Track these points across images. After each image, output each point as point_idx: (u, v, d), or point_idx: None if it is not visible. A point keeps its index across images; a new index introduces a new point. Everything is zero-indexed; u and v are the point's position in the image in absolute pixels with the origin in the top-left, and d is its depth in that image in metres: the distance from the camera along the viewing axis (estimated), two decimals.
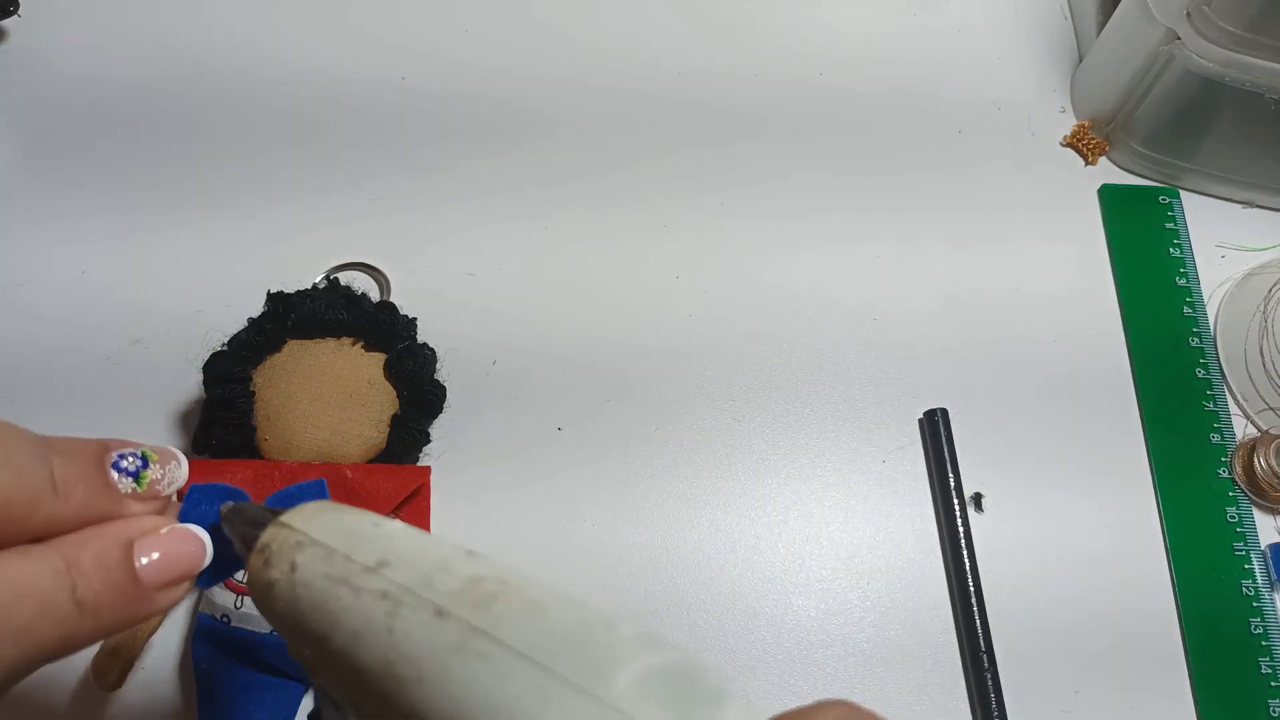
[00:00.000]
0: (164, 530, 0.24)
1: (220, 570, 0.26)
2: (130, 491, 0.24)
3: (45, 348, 0.45)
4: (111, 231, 0.47)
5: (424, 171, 0.49)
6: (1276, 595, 0.43)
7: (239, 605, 0.37)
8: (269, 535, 0.23)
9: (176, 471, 0.25)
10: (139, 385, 0.44)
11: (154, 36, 0.52)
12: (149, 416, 0.43)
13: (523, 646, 0.19)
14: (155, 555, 0.24)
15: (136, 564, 0.23)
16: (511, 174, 0.50)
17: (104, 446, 0.24)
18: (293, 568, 0.22)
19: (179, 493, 0.26)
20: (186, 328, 0.45)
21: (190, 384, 0.42)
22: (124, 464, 0.24)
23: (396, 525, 0.23)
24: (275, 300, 0.41)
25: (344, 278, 0.44)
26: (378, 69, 0.52)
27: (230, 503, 0.25)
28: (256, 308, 0.41)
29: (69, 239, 0.47)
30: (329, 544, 0.22)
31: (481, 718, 0.19)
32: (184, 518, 0.25)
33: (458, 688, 0.19)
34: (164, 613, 0.25)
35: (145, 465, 0.24)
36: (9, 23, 0.51)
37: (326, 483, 0.28)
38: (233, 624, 0.37)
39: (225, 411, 0.39)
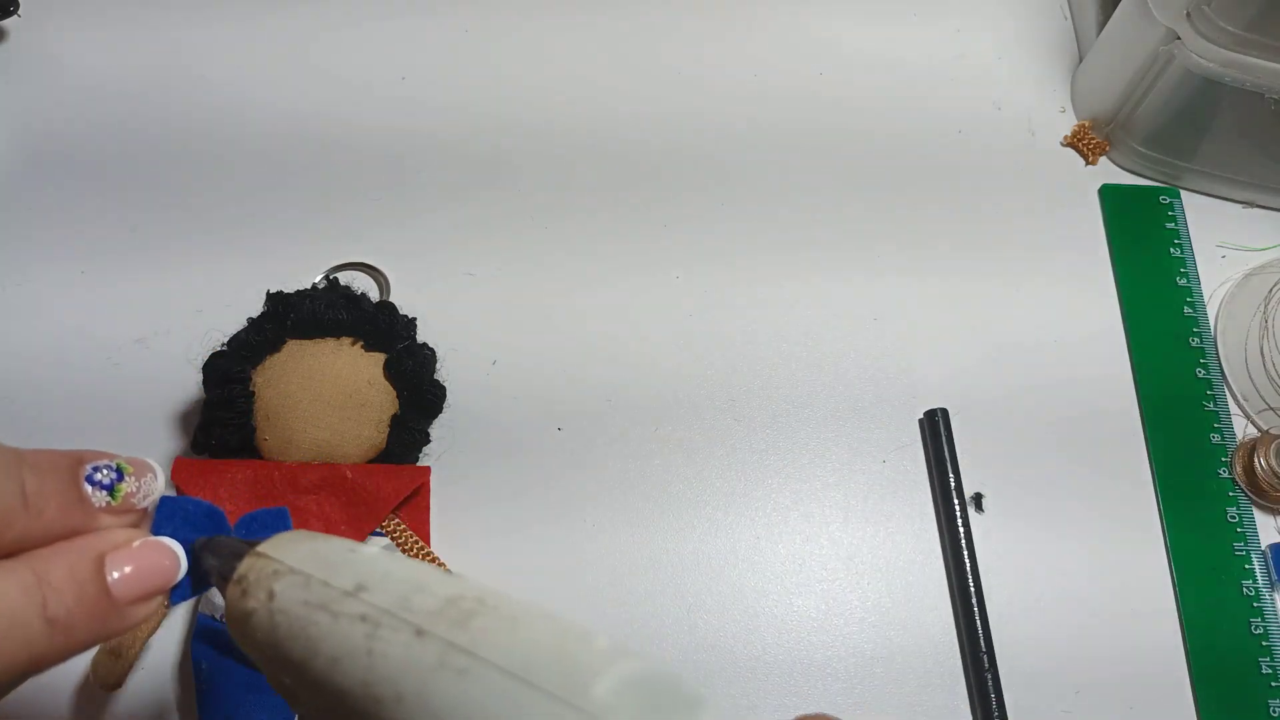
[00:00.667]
0: (136, 544, 0.24)
1: (196, 584, 0.25)
2: (104, 505, 0.24)
3: (45, 347, 0.45)
4: (111, 231, 0.47)
5: (424, 171, 0.49)
6: (1276, 595, 0.43)
7: None
8: (246, 565, 0.23)
9: (152, 484, 0.25)
10: (139, 385, 0.44)
11: (155, 36, 0.52)
12: (149, 416, 0.43)
13: (501, 661, 0.19)
14: (128, 569, 0.23)
15: (108, 578, 0.23)
16: (511, 174, 0.50)
17: (78, 459, 0.24)
18: (270, 596, 0.22)
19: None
20: (186, 328, 0.45)
21: (190, 384, 0.42)
22: (98, 477, 0.24)
23: (373, 550, 0.23)
24: (275, 300, 0.41)
25: (344, 278, 0.44)
26: (377, 72, 0.52)
27: (204, 537, 0.25)
28: (256, 308, 0.41)
29: (69, 238, 0.47)
30: (306, 571, 0.22)
31: None
32: (156, 531, 0.25)
33: (438, 704, 0.19)
34: (137, 626, 0.24)
35: (120, 478, 0.24)
36: (9, 23, 0.51)
37: (289, 510, 0.28)
38: None
39: (225, 411, 0.39)
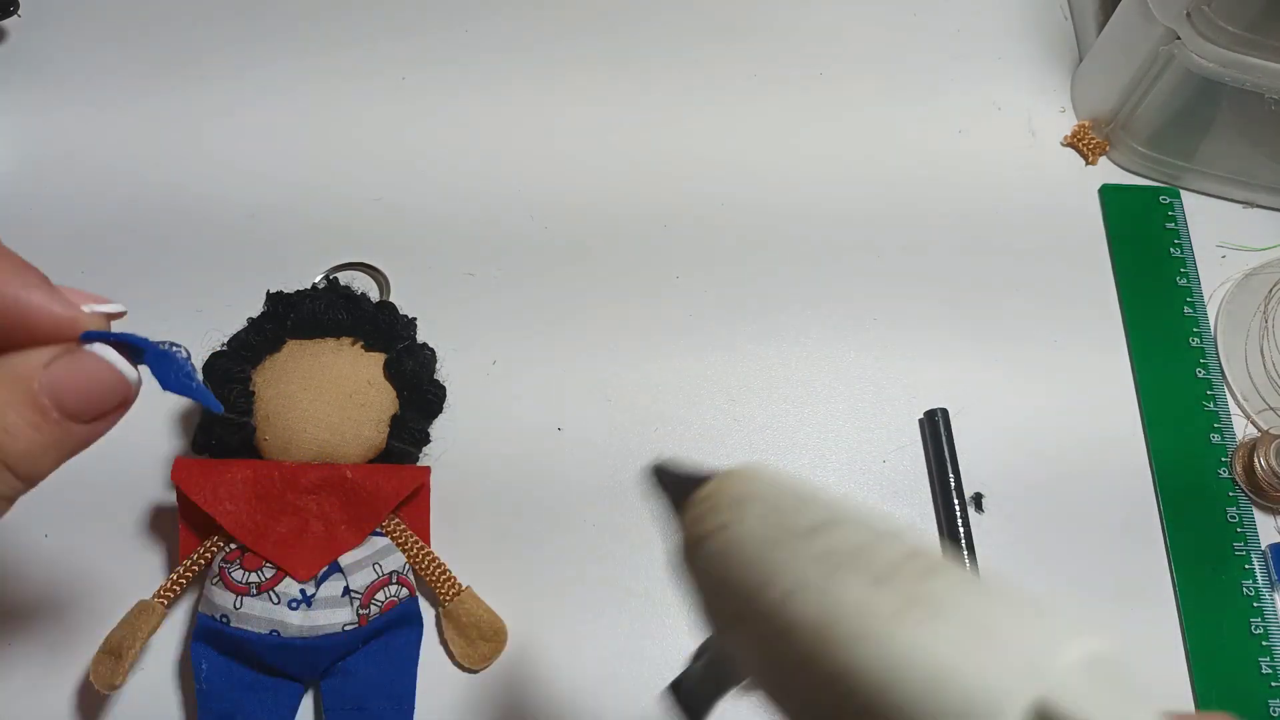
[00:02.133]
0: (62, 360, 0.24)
1: (169, 380, 0.26)
2: None
3: None
4: (111, 231, 0.47)
5: (424, 171, 0.49)
6: (1276, 595, 0.43)
7: (239, 605, 0.37)
8: (712, 487, 0.23)
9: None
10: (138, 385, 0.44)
11: (155, 36, 0.52)
12: (149, 416, 0.43)
13: (962, 619, 0.19)
14: (63, 388, 0.24)
15: (43, 400, 0.24)
16: (511, 174, 0.50)
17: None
18: (732, 521, 0.22)
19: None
20: (186, 328, 0.45)
21: None
22: None
23: (833, 495, 0.23)
24: (275, 300, 0.41)
25: (344, 278, 0.44)
26: (377, 73, 0.52)
27: (665, 459, 0.25)
28: (256, 308, 0.41)
29: (68, 239, 0.47)
30: (772, 501, 0.22)
31: (917, 677, 0.19)
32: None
33: (896, 651, 0.19)
34: (99, 435, 0.25)
35: None
36: (9, 23, 0.51)
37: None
38: (232, 624, 0.37)
39: (225, 411, 0.39)
